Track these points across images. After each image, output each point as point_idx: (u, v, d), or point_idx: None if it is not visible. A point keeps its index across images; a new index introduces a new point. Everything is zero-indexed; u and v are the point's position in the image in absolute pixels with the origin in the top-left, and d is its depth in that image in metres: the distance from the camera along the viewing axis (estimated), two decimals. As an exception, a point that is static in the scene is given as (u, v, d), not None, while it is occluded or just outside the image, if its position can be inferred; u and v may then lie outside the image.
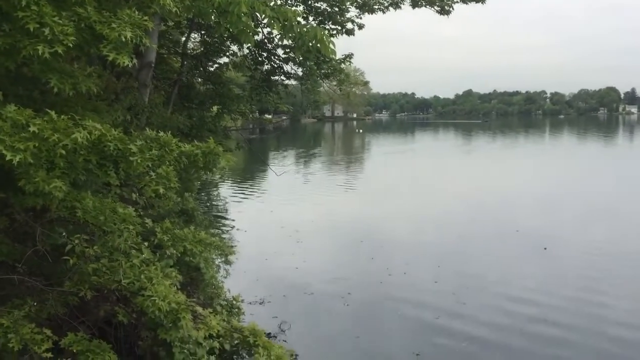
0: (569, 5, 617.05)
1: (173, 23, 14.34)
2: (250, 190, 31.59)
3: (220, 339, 7.25)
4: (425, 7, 14.01)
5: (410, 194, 30.18)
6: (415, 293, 13.69)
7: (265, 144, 64.61)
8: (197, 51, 16.27)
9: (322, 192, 30.52)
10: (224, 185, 33.00)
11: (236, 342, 7.26)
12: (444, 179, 37.70)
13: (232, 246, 8.58)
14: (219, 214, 24.63)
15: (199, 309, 6.97)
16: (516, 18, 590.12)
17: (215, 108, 15.91)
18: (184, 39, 15.41)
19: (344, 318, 12.23)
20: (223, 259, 10.34)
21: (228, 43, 16.03)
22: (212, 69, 16.25)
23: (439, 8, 13.81)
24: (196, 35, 16.29)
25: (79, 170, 6.05)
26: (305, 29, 8.18)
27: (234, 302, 10.70)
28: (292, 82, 17.26)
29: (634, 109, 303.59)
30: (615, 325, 11.62)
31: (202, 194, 26.94)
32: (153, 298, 6.15)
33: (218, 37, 15.68)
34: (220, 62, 16.48)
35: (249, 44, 15.64)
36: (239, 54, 16.07)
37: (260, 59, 16.46)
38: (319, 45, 8.21)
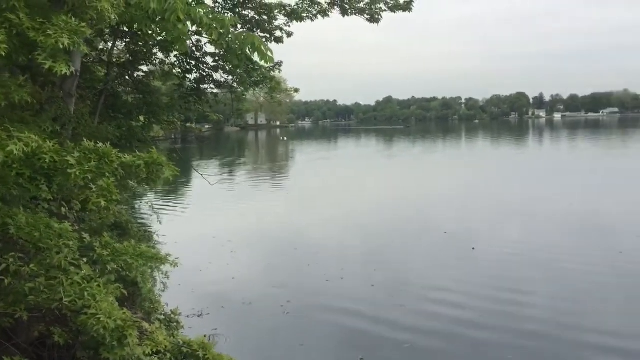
0: (482, 14, 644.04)
1: (94, 31, 13.83)
2: (177, 200, 30.90)
3: (168, 354, 7.02)
4: (355, 15, 14.21)
5: (338, 200, 30.46)
6: (354, 298, 13.81)
7: (188, 153, 63.42)
8: (123, 59, 15.76)
9: (251, 201, 30.32)
10: (149, 196, 32.12)
11: (185, 357, 7.05)
12: (370, 184, 38.37)
13: (176, 258, 8.30)
14: (146, 225, 23.93)
15: (145, 325, 6.73)
16: (432, 26, 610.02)
17: (142, 118, 15.47)
18: (109, 46, 14.88)
19: (285, 327, 12.16)
20: (162, 273, 10.04)
21: (155, 51, 15.65)
22: (139, 78, 15.79)
23: (368, 16, 14.05)
24: (120, 43, 15.80)
25: (10, 185, 5.75)
26: (242, 37, 8.13)
27: (173, 316, 10.42)
28: (222, 90, 17.07)
29: (542, 113, 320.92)
30: (543, 322, 12.18)
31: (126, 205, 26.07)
32: (98, 316, 5.88)
33: (144, 45, 15.27)
34: (147, 70, 16.06)
35: (176, 52, 15.37)
36: (166, 61, 15.69)
37: (188, 67, 16.16)
38: (256, 52, 8.16)
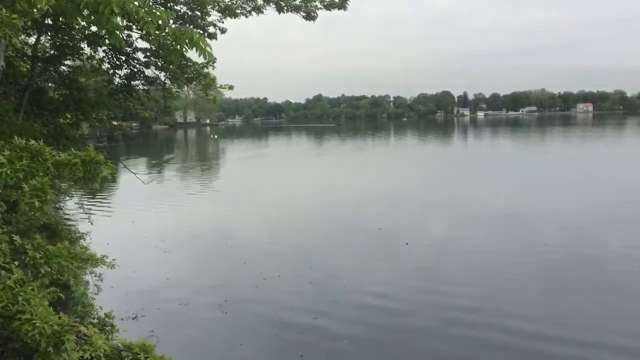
0: (408, 13, 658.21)
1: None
2: (105, 200, 29.89)
3: (107, 358, 6.77)
4: (291, 12, 14.18)
5: (272, 198, 30.38)
6: (291, 295, 13.83)
7: (114, 152, 61.54)
8: (48, 54, 15.08)
9: (183, 200, 29.76)
10: (75, 196, 30.91)
11: (125, 360, 6.81)
12: (303, 182, 38.51)
13: (112, 260, 8.01)
14: (75, 226, 23.03)
15: (83, 329, 6.46)
16: (361, 24, 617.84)
17: (69, 115, 14.87)
18: (32, 40, 14.20)
19: (224, 326, 12.03)
20: (96, 276, 9.70)
21: (82, 45, 15.06)
22: (65, 73, 15.17)
23: (304, 14, 14.05)
24: (43, 38, 15.12)
25: None
26: (180, 32, 7.96)
27: (107, 319, 10.07)
28: (154, 87, 16.64)
29: (466, 112, 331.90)
30: (473, 312, 12.62)
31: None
32: (33, 321, 5.61)
33: (71, 39, 14.67)
34: (75, 65, 15.46)
35: (105, 47, 14.87)
36: (95, 56, 15.13)
37: (118, 62, 15.65)
38: (195, 48, 8.01)
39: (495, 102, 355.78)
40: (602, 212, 23.56)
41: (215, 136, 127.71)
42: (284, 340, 11.26)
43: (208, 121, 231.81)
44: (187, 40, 7.89)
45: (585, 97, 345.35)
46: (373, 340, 11.19)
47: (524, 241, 18.67)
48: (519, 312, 12.47)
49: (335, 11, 14.46)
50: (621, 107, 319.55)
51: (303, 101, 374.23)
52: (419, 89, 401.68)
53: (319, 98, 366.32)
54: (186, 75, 16.24)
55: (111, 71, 15.42)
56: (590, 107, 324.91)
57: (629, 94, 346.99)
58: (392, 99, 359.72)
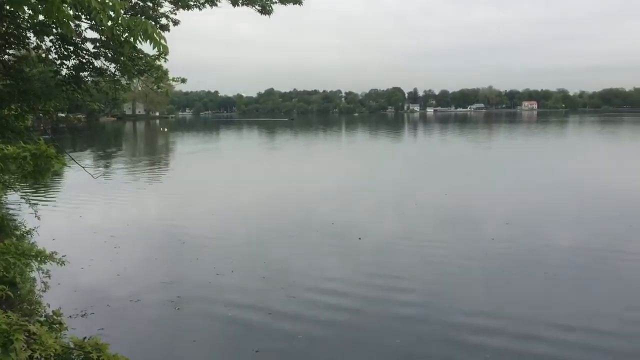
0: (360, 9, 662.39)
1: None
2: (51, 194, 29.01)
3: (58, 358, 6.59)
4: (246, 6, 14.05)
5: (224, 192, 30.16)
6: (245, 291, 13.76)
7: (60, 144, 59.77)
8: (-10, 42, 14.50)
9: (133, 194, 29.21)
10: (20, 190, 29.87)
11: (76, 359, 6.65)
12: (256, 176, 38.32)
13: (63, 256, 7.77)
14: (19, 221, 22.27)
15: (33, 328, 6.27)
16: (314, 19, 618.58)
17: (14, 106, 14.37)
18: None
19: (177, 323, 11.86)
20: (43, 272, 9.41)
21: (29, 34, 14.55)
22: (10, 62, 14.63)
23: (260, 8, 13.94)
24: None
25: None
26: (133, 23, 7.78)
27: (55, 317, 9.80)
28: (104, 79, 16.22)
29: (416, 108, 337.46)
30: (422, 307, 12.87)
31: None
32: (-20, 321, 5.40)
33: (15, 27, 14.17)
34: (20, 54, 14.93)
35: (52, 37, 14.44)
36: (43, 46, 14.64)
37: (66, 52, 15.18)
38: (149, 40, 7.85)
39: (445, 98, 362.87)
40: (547, 207, 24.34)
41: (165, 129, 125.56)
42: (238, 336, 11.19)
43: (157, 114, 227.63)
44: (141, 32, 7.73)
45: (530, 95, 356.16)
46: (327, 334, 11.26)
47: (473, 236, 19.11)
48: (466, 307, 12.76)
49: (290, 5, 14.45)
50: (564, 106, 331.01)
51: (255, 95, 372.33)
52: (371, 85, 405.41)
53: (270, 92, 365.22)
54: (137, 67, 15.91)
55: (59, 61, 14.97)
56: (535, 105, 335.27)
57: (571, 93, 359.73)
58: (343, 94, 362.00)
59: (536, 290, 13.79)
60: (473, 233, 19.58)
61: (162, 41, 8.30)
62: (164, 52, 8.71)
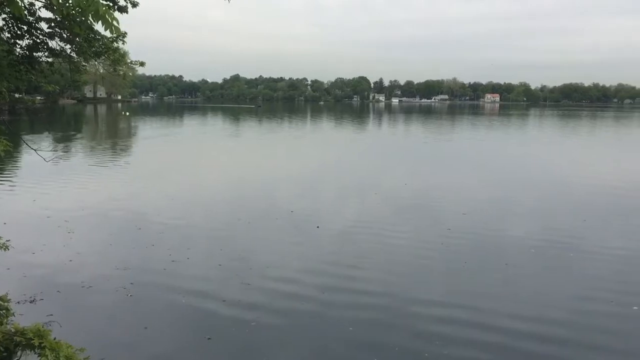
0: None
1: None
2: (4, 178, 28.25)
3: (-2, 345, 6.46)
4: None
5: (183, 179, 29.83)
6: (200, 277, 13.68)
7: (16, 127, 58.27)
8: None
9: (90, 179, 28.64)
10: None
11: (17, 346, 6.54)
12: (216, 162, 38.07)
13: (7, 240, 7.58)
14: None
15: (-28, 315, 6.14)
16: (282, 8, 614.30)
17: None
18: None
19: (128, 310, 11.72)
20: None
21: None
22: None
23: (219, -8, 13.78)
24: None
25: None
26: (84, 2, 7.60)
27: (1, 302, 9.60)
28: (59, 60, 15.80)
29: (381, 97, 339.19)
30: (378, 295, 13.01)
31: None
32: None
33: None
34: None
35: (4, 15, 13.99)
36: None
37: (19, 32, 14.73)
38: (100, 21, 7.69)
39: (410, 89, 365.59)
40: (504, 198, 24.86)
41: (127, 113, 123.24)
42: (191, 323, 11.13)
43: (120, 97, 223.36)
44: (92, 12, 7.56)
45: (493, 88, 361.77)
46: (281, 322, 11.30)
47: (430, 226, 19.39)
48: (424, 295, 12.98)
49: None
50: (525, 99, 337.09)
51: (220, 81, 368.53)
52: (337, 74, 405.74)
53: (236, 78, 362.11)
54: (94, 49, 15.54)
55: (12, 41, 14.52)
56: (497, 98, 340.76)
57: (532, 87, 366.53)
58: (309, 82, 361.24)
59: (490, 278, 14.10)
60: (431, 223, 19.85)
61: (115, 22, 8.13)
62: (116, 33, 8.54)
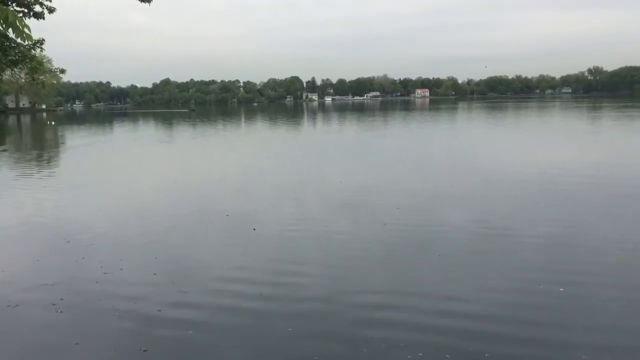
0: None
1: None
2: None
3: None
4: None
5: (114, 187, 29.01)
6: (134, 288, 13.31)
7: None
8: None
9: (13, 192, 27.43)
10: None
11: None
12: (149, 169, 37.27)
13: None
14: None
15: None
16: (209, 9, 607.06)
17: None
18: None
19: (58, 326, 11.26)
20: None
21: None
22: None
23: (138, -5, 13.47)
24: None
25: None
26: (-9, 10, 7.30)
27: None
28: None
29: (314, 97, 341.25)
30: (320, 290, 13.08)
31: None
32: None
33: None
34: None
35: None
36: None
37: None
38: (11, 29, 7.39)
39: (342, 87, 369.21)
40: (436, 190, 25.49)
41: (53, 122, 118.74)
42: (125, 335, 10.81)
43: (44, 106, 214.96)
44: (1, 20, 7.25)
45: (422, 83, 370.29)
46: (220, 327, 11.15)
47: (366, 221, 19.61)
48: (362, 286, 13.18)
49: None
50: (453, 93, 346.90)
51: (150, 85, 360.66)
52: (269, 75, 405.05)
53: (167, 82, 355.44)
54: (10, 58, 14.95)
55: None
56: (427, 93, 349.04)
57: (460, 81, 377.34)
58: (242, 84, 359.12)
59: (425, 268, 14.42)
60: (367, 218, 20.07)
61: (26, 30, 7.84)
62: (28, 40, 8.21)
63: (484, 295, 12.46)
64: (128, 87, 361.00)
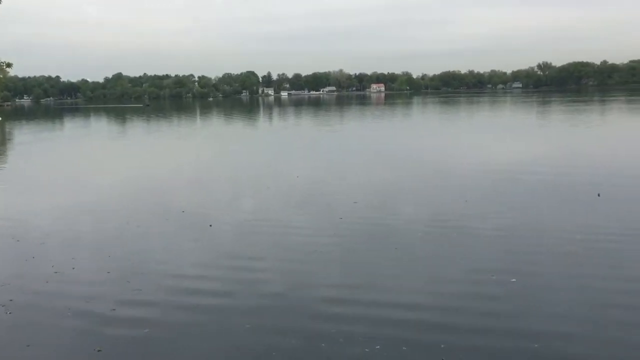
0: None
1: None
2: None
3: None
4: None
5: (65, 185, 28.31)
6: (87, 287, 13.03)
7: None
8: None
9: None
10: None
11: None
12: (101, 166, 36.45)
13: None
14: None
15: None
16: (164, 3, 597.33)
17: None
18: None
19: (8, 329, 10.93)
20: None
21: None
22: None
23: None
24: None
25: None
26: None
27: None
28: None
29: (270, 91, 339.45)
30: (277, 283, 13.07)
31: None
32: None
33: None
34: None
35: None
36: None
37: None
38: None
39: (298, 82, 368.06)
40: (391, 185, 25.75)
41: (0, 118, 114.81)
42: (78, 336, 10.57)
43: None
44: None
45: (378, 78, 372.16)
46: (176, 325, 11.01)
47: (324, 216, 19.68)
48: (320, 280, 13.30)
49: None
50: (408, 87, 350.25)
51: (101, 80, 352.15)
52: (224, 69, 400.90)
53: (119, 77, 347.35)
54: (-49, 51, 14.34)
55: None
56: (382, 87, 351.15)
57: (414, 76, 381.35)
58: (196, 78, 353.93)
59: (381, 261, 14.57)
60: (323, 213, 20.13)
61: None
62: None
63: (439, 287, 12.69)
64: (79, 82, 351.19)
